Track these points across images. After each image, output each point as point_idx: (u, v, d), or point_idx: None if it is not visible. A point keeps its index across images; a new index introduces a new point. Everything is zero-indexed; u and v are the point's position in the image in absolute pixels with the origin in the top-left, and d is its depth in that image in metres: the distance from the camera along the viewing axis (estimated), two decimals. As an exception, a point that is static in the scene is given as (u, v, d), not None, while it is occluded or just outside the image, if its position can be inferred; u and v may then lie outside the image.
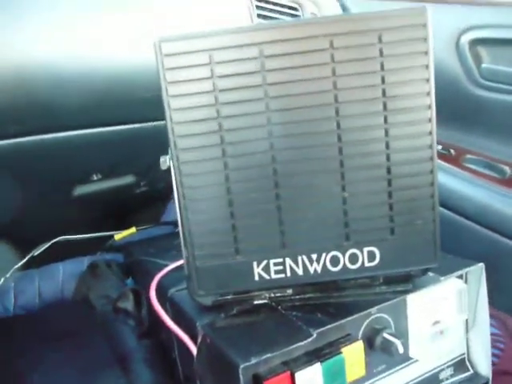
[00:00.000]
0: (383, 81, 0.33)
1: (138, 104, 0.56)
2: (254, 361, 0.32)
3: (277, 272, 0.36)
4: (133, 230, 0.80)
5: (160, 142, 0.68)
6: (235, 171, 0.34)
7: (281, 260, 0.36)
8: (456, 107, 0.77)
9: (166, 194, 0.92)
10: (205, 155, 0.33)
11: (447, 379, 0.47)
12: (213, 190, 0.34)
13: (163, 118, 0.65)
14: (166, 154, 0.70)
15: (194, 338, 0.40)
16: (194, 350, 0.39)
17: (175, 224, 0.85)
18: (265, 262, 0.36)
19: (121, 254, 0.74)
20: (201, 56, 0.32)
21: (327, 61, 0.33)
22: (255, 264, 0.36)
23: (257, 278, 0.36)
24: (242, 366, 0.32)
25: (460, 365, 0.48)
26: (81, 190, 0.71)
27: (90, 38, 0.52)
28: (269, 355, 0.33)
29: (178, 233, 0.81)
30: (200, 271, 0.36)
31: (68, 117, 0.51)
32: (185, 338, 0.40)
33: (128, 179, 0.77)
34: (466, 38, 0.76)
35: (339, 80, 0.33)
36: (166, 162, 0.41)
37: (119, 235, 0.79)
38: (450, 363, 0.47)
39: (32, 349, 0.49)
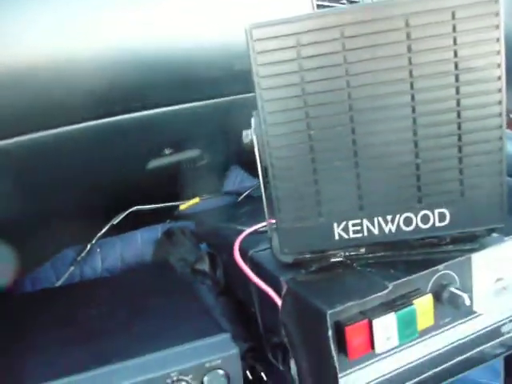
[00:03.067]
0: (456, 55, 0.36)
1: (211, 81, 0.60)
2: (339, 308, 0.37)
3: (355, 232, 0.40)
4: (196, 199, 0.86)
5: (224, 118, 0.73)
6: (319, 142, 0.38)
7: (359, 221, 0.40)
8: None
9: (224, 166, 0.97)
10: (291, 129, 0.38)
11: (508, 333, 0.50)
12: (298, 160, 0.38)
13: (232, 94, 0.69)
14: (229, 129, 0.75)
15: (277, 292, 0.45)
16: (278, 301, 0.44)
17: (236, 194, 0.91)
18: (344, 223, 0.40)
19: (190, 221, 0.80)
20: (288, 39, 0.36)
21: (403, 39, 0.36)
22: (335, 225, 0.40)
23: (337, 237, 0.41)
24: (329, 312, 0.37)
25: None
26: (153, 163, 0.77)
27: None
28: (351, 303, 0.38)
29: (241, 202, 0.87)
30: (286, 232, 0.41)
31: (154, 96, 0.57)
32: (269, 290, 0.45)
33: (194, 152, 0.83)
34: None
35: (414, 56, 0.36)
36: (248, 135, 0.45)
37: (184, 205, 0.85)
38: (511, 318, 0.50)
39: (131, 302, 0.55)
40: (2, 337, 0.51)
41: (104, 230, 0.77)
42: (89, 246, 0.74)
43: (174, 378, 0.38)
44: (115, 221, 0.79)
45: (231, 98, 0.67)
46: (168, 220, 0.84)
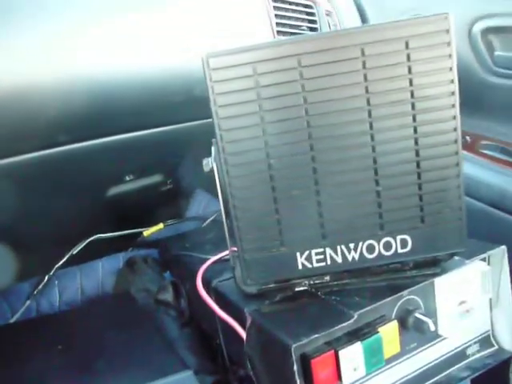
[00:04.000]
0: (411, 83, 0.37)
1: (173, 107, 0.60)
2: (304, 341, 0.36)
3: (318, 261, 0.40)
4: (160, 226, 0.85)
5: (187, 143, 0.72)
6: (279, 171, 0.37)
7: (321, 250, 0.39)
8: (470, 95, 0.79)
9: (188, 191, 0.96)
10: (250, 158, 0.37)
11: (473, 355, 0.51)
12: (258, 189, 0.38)
13: (192, 120, 0.68)
14: (192, 153, 0.73)
15: (241, 324, 0.44)
16: (243, 334, 0.43)
17: (200, 219, 0.89)
18: (307, 253, 0.40)
19: (153, 249, 0.78)
20: (245, 68, 0.36)
21: (359, 68, 0.36)
22: (298, 254, 0.40)
23: (300, 266, 0.40)
24: (294, 346, 0.36)
25: (485, 341, 0.51)
26: (114, 190, 0.75)
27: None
28: (316, 335, 0.37)
29: (206, 228, 0.86)
30: (248, 263, 0.40)
31: (114, 122, 0.55)
32: (234, 323, 0.44)
33: (156, 178, 0.81)
34: (477, 28, 0.78)
35: (370, 85, 0.36)
36: (208, 164, 0.44)
37: (148, 231, 0.83)
38: (476, 340, 0.51)
39: (91, 338, 0.53)
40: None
41: (63, 261, 0.74)
42: (46, 278, 0.71)
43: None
44: (75, 250, 0.76)
45: (192, 123, 0.66)
46: (131, 248, 0.82)
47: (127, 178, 0.74)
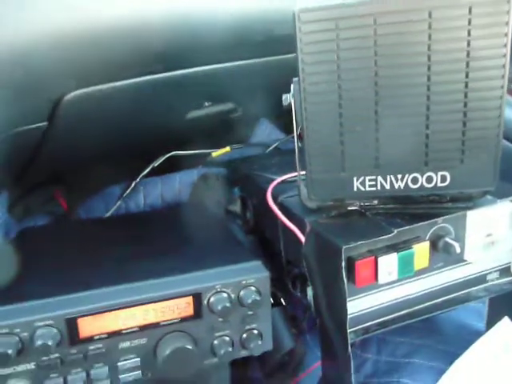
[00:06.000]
0: (468, 44, 0.43)
1: (250, 44, 0.67)
2: (352, 245, 0.46)
3: (370, 186, 0.49)
4: (227, 148, 0.95)
5: (259, 76, 0.80)
6: (347, 110, 0.46)
7: (374, 177, 0.49)
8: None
9: (254, 119, 1.05)
10: (325, 98, 0.46)
11: (493, 280, 0.59)
12: (328, 124, 0.47)
13: (267, 56, 0.76)
14: (262, 86, 0.82)
15: (301, 231, 0.55)
16: (302, 238, 0.54)
17: (263, 145, 0.99)
18: (362, 178, 0.49)
19: (222, 168, 0.90)
20: (329, 23, 0.43)
21: (425, 28, 0.43)
22: (355, 179, 0.49)
23: (355, 189, 0.49)
24: (344, 248, 0.46)
25: (505, 271, 0.59)
26: (193, 114, 0.85)
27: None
28: (361, 242, 0.47)
29: (270, 153, 0.95)
30: (314, 181, 0.50)
31: (202, 55, 0.64)
32: (295, 229, 0.54)
33: (228, 105, 0.91)
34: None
35: (433, 44, 0.43)
36: (287, 99, 0.53)
37: (217, 153, 0.94)
38: (496, 268, 0.58)
39: (175, 233, 0.66)
40: (68, 251, 0.62)
41: (147, 171, 0.86)
42: (133, 184, 0.84)
43: (218, 290, 0.49)
44: (156, 163, 0.88)
45: (265, 59, 0.74)
46: (201, 166, 0.94)
47: (206, 104, 0.84)
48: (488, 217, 0.54)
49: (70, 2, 0.53)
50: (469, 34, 0.43)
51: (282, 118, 0.95)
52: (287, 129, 0.97)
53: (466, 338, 0.62)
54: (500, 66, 0.44)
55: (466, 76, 0.44)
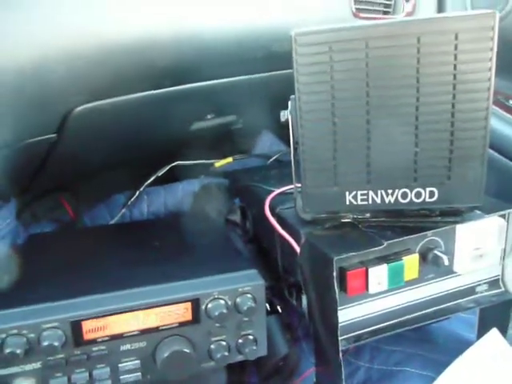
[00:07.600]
0: (455, 68, 0.46)
1: (251, 60, 0.70)
2: (343, 256, 0.49)
3: (362, 200, 0.52)
4: (229, 159, 0.98)
5: (260, 91, 0.83)
6: (340, 128, 0.48)
7: (365, 192, 0.51)
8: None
9: (256, 131, 1.08)
10: (320, 116, 0.48)
11: (481, 292, 0.61)
12: (323, 141, 0.49)
13: (267, 71, 0.79)
14: (263, 99, 0.85)
15: (296, 241, 0.57)
16: (297, 249, 0.56)
17: (265, 157, 1.02)
18: (354, 192, 0.51)
19: (223, 179, 0.92)
20: (323, 46, 0.46)
21: (414, 53, 0.46)
22: (347, 193, 0.51)
23: (347, 203, 0.52)
24: (335, 258, 0.48)
25: (494, 283, 0.60)
26: (196, 125, 0.88)
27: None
28: (353, 253, 0.49)
29: (270, 165, 0.98)
30: (308, 195, 0.52)
31: (205, 71, 0.67)
32: (291, 240, 0.57)
33: (231, 118, 0.93)
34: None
35: (421, 67, 0.46)
36: (285, 115, 0.56)
37: (219, 163, 0.97)
38: (485, 280, 0.60)
39: (175, 241, 0.68)
40: (74, 257, 0.65)
41: (151, 180, 0.89)
42: (138, 192, 0.87)
43: (216, 296, 0.51)
44: (160, 173, 0.91)
45: (266, 74, 0.77)
46: (203, 176, 0.96)
47: (208, 117, 0.86)
48: (476, 231, 0.56)
49: (81, 19, 0.56)
50: (455, 58, 0.45)
51: (285, 130, 0.98)
52: (289, 141, 1.00)
53: (458, 347, 0.64)
54: (485, 88, 0.46)
55: (453, 97, 0.47)
